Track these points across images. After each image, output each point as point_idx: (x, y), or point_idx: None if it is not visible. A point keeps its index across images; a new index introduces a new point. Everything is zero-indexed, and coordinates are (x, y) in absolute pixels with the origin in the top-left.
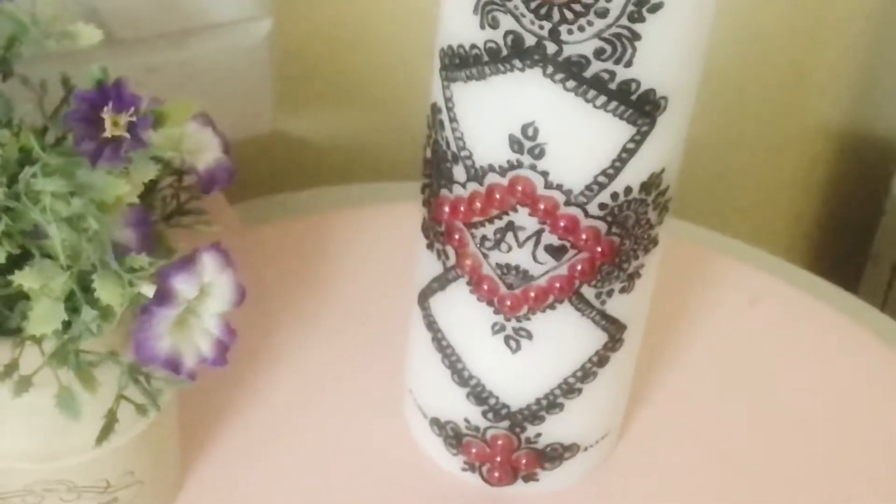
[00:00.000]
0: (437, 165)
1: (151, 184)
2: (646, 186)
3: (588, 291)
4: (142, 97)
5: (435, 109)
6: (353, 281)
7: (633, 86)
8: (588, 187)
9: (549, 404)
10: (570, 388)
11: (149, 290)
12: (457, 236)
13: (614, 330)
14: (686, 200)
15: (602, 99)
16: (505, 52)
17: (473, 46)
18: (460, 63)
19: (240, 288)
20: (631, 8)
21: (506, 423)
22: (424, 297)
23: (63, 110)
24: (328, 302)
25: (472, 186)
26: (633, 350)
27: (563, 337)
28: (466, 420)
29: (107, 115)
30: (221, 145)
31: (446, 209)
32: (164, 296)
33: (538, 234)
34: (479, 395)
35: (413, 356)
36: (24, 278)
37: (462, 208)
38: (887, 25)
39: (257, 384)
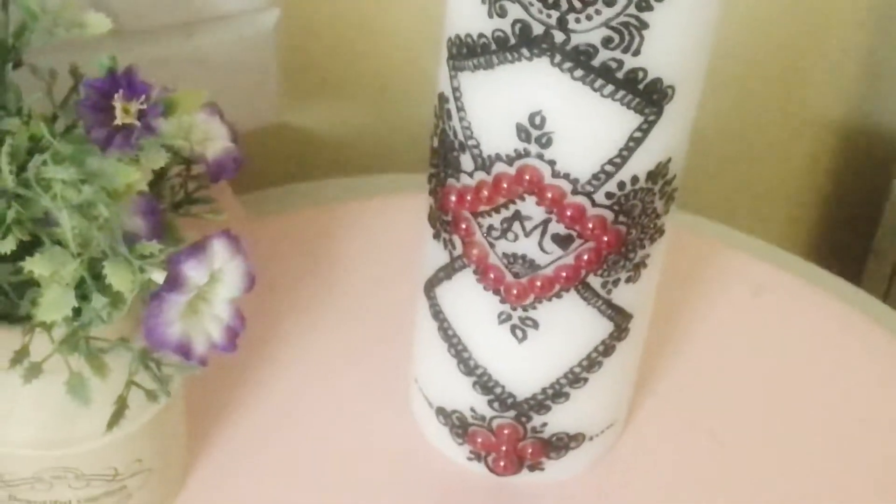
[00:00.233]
0: (444, 155)
1: (161, 172)
2: (652, 175)
3: (594, 281)
4: (152, 85)
5: (442, 99)
6: (358, 271)
7: (641, 75)
8: (595, 176)
9: (555, 394)
10: (575, 378)
11: (159, 277)
12: (463, 226)
13: (620, 319)
14: (691, 191)
15: (609, 88)
16: (513, 40)
17: (481, 35)
18: (468, 52)
19: (250, 274)
20: None
21: (512, 413)
22: (431, 286)
23: (73, 99)
24: (334, 292)
25: (480, 175)
26: (638, 340)
27: (569, 326)
28: (472, 409)
29: (117, 102)
30: (230, 135)
31: (453, 198)
32: (174, 282)
33: (545, 223)
34: (485, 384)
35: (419, 346)
36: (34, 265)
37: (469, 197)
38: (892, 18)
39: (262, 373)
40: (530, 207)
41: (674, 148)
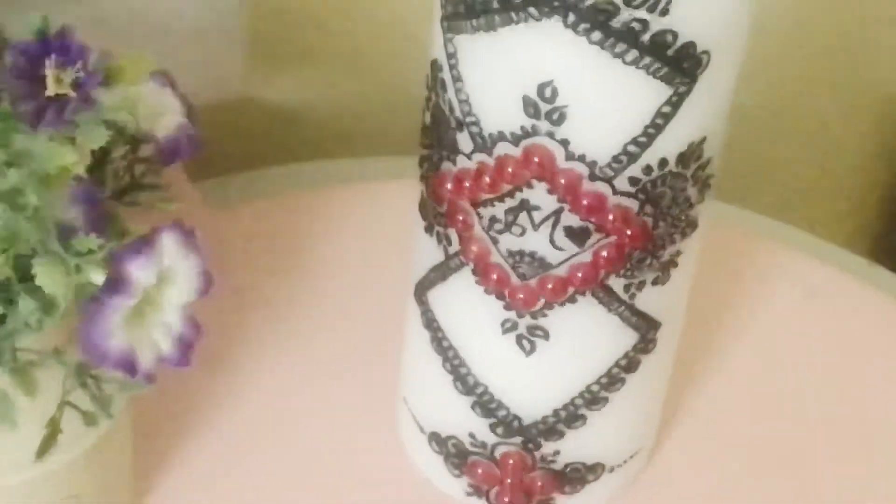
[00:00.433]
0: (437, 134)
1: (102, 153)
2: (684, 158)
3: (615, 283)
4: (90, 50)
5: (435, 67)
6: (337, 272)
7: (670, 38)
8: (616, 159)
9: (569, 416)
10: (593, 398)
11: (98, 277)
12: (461, 217)
13: (646, 328)
14: (730, 178)
15: (633, 54)
16: None
17: None
18: (466, 11)
19: (207, 275)
20: None
21: (518, 439)
22: (422, 289)
23: None
24: (308, 297)
25: (480, 158)
26: (668, 352)
27: (585, 336)
28: (472, 435)
29: (49, 70)
30: (184, 109)
31: (448, 185)
32: (116, 283)
33: (557, 214)
34: (487, 405)
35: (408, 359)
36: None
37: (467, 184)
38: None
39: (225, 391)
40: (540, 196)
41: (709, 126)
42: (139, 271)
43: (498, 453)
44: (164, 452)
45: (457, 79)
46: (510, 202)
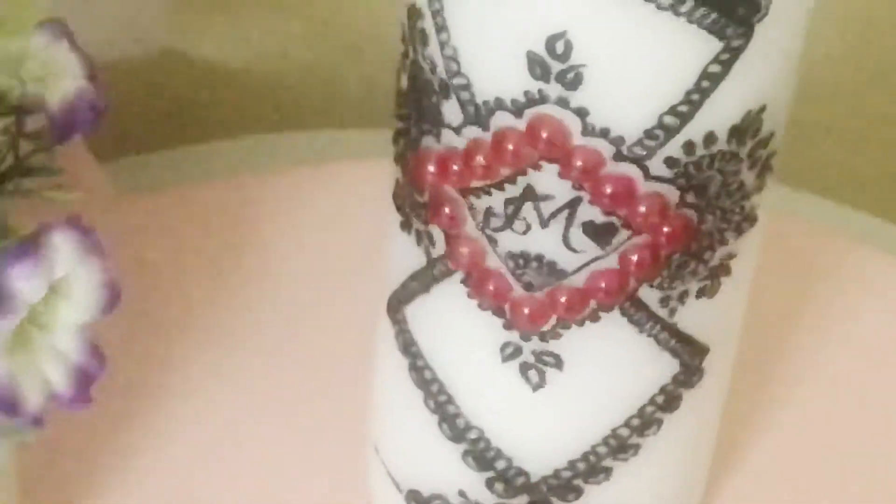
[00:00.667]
0: (417, 101)
1: None
2: (738, 133)
3: (649, 295)
4: None
5: (413, 14)
6: (284, 279)
7: None
8: (649, 133)
9: (590, 469)
10: (621, 445)
11: None
12: (447, 210)
13: (690, 355)
14: (798, 159)
15: None
16: None
17: None
18: None
19: (112, 286)
20: None
21: (523, 499)
22: (398, 303)
23: None
24: (247, 312)
25: (471, 132)
26: (718, 385)
27: (610, 365)
28: (462, 494)
29: None
30: (85, 69)
31: (431, 168)
32: None
33: (572, 206)
34: (482, 454)
35: (380, 395)
36: None
37: (455, 167)
38: None
39: (140, 437)
40: (550, 182)
41: (770, 91)
42: (22, 282)
43: None
44: None
45: (442, 29)
46: (511, 190)
